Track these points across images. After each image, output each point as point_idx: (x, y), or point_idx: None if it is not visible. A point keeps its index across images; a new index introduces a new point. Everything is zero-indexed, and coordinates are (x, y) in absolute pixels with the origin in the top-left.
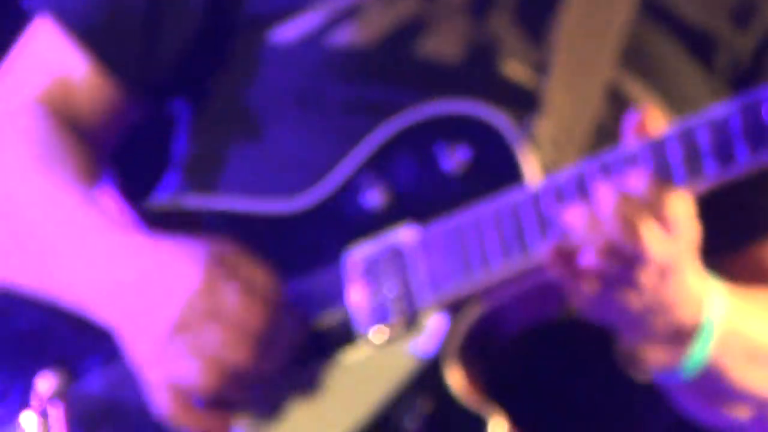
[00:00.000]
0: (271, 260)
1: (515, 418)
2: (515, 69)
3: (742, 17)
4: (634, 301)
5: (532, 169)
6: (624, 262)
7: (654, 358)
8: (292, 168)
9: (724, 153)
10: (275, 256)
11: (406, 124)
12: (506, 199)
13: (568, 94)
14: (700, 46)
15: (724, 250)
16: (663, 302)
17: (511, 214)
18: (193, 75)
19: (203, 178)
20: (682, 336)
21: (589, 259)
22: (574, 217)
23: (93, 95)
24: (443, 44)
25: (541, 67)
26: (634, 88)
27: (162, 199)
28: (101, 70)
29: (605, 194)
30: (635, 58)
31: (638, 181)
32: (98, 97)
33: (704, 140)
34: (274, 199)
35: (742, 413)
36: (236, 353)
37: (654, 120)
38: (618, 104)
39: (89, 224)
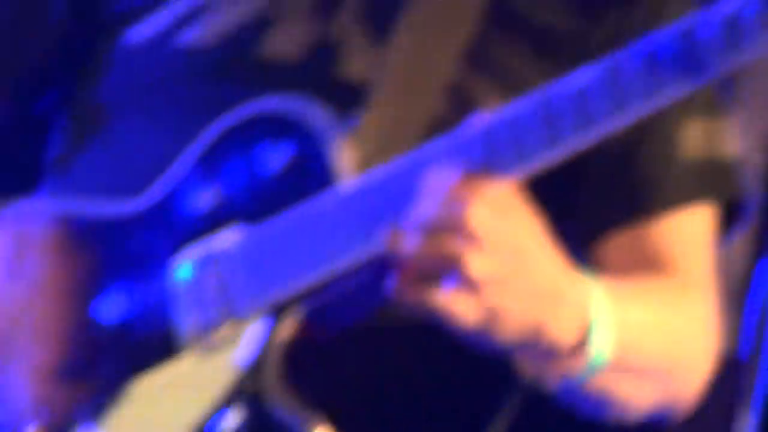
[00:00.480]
0: (102, 265)
1: (344, 424)
2: (355, 67)
3: (591, 12)
4: (475, 304)
5: (346, 165)
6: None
7: (554, 362)
8: (137, 169)
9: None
10: (107, 259)
11: (233, 122)
12: (317, 200)
13: (402, 90)
14: (546, 44)
15: (601, 234)
16: (531, 294)
17: (320, 216)
18: (54, 77)
19: (64, 180)
20: (572, 325)
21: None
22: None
23: None
24: (285, 43)
25: (379, 66)
26: (478, 86)
27: (20, 201)
28: None
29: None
30: (479, 59)
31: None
32: None
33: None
34: (117, 201)
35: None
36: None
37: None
38: (459, 101)
39: None
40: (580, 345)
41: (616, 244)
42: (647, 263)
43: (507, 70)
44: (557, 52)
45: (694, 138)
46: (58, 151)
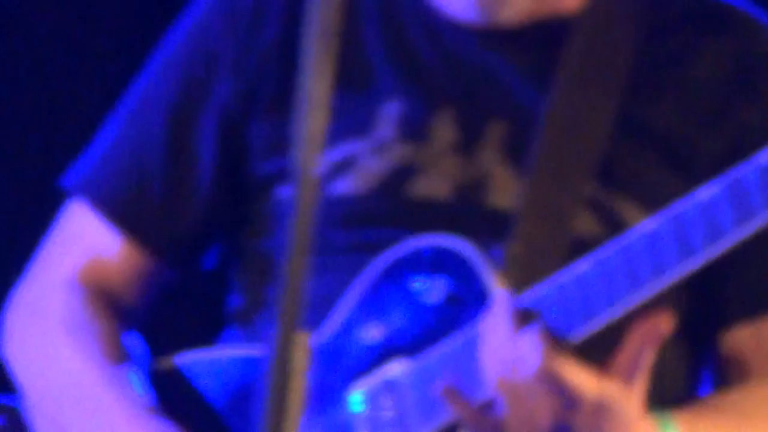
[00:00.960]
0: None
1: None
2: (501, 199)
3: (713, 119)
4: None
5: (499, 293)
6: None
7: None
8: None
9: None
10: None
11: (391, 261)
12: (474, 329)
13: (542, 215)
14: (676, 154)
15: (727, 328)
16: None
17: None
18: (216, 232)
19: (248, 327)
20: None
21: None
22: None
23: (125, 266)
24: (434, 184)
25: (521, 195)
26: (615, 201)
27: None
28: (130, 242)
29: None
30: (613, 175)
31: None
32: (130, 266)
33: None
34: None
35: None
36: None
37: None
38: (600, 218)
39: (98, 400)
40: None
41: (741, 336)
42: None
43: (640, 183)
44: (687, 161)
45: None
46: (238, 301)
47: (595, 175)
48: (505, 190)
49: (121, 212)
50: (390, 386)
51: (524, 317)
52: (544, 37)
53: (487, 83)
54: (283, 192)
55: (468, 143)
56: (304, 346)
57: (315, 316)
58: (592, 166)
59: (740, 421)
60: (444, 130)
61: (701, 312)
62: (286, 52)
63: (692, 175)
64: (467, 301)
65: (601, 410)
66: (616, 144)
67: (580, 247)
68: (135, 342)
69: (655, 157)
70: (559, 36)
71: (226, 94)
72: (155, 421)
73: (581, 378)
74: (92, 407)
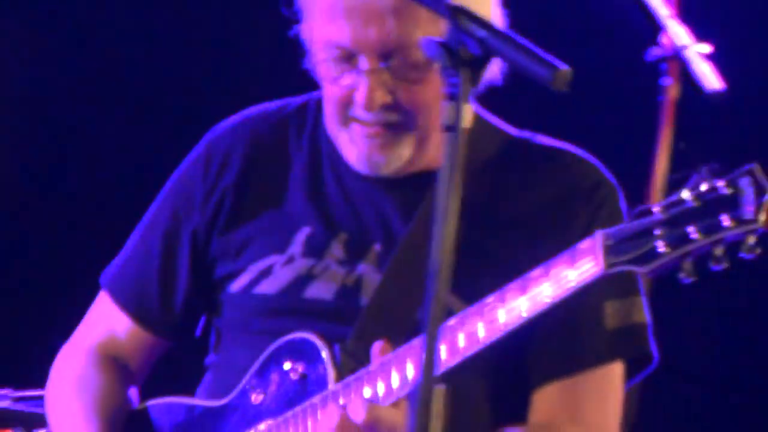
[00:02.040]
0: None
1: None
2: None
3: (537, 237)
4: None
5: (331, 375)
6: None
7: None
8: (231, 379)
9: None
10: (208, 429)
11: (276, 347)
12: (312, 399)
13: (383, 315)
14: (503, 268)
15: (538, 384)
16: None
17: (310, 410)
18: (196, 314)
19: (207, 384)
20: None
21: None
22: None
23: (133, 341)
24: (322, 289)
25: (370, 299)
26: (450, 299)
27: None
28: (136, 325)
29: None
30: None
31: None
32: (137, 341)
33: None
34: (219, 398)
35: None
36: None
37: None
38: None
39: None
40: None
41: (547, 393)
42: (568, 411)
43: (468, 288)
44: (508, 271)
45: (614, 312)
46: (212, 359)
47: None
48: (370, 295)
49: (129, 304)
50: None
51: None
52: (415, 184)
53: (373, 216)
54: (231, 287)
55: (351, 259)
56: (440, 397)
57: (233, 380)
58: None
59: None
60: (336, 249)
61: (514, 373)
62: (239, 189)
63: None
64: (313, 380)
65: (375, 424)
66: (455, 260)
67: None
68: (135, 393)
69: (483, 270)
70: (426, 182)
71: (197, 222)
72: None
73: (372, 410)
74: None
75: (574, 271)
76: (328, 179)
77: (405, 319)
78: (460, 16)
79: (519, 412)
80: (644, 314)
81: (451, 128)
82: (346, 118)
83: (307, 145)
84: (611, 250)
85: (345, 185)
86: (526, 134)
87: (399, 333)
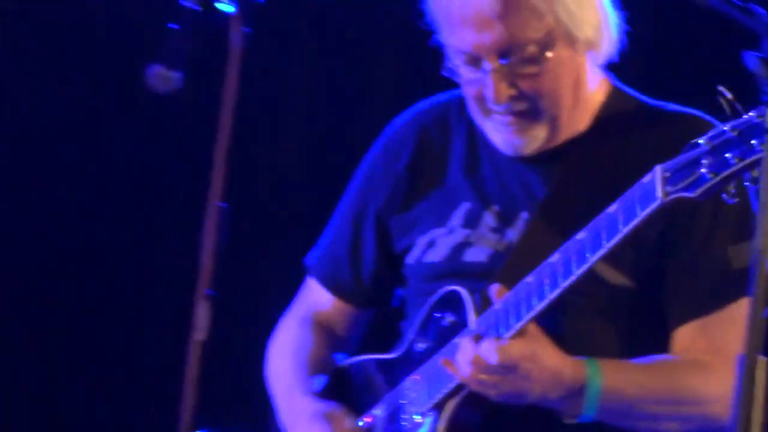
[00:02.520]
0: (380, 383)
1: None
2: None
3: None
4: (514, 387)
5: (472, 316)
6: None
7: (566, 411)
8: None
9: None
10: (382, 382)
11: (431, 302)
12: (455, 342)
13: (518, 269)
14: None
15: (677, 325)
16: (537, 382)
17: (454, 349)
18: (387, 285)
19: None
20: (572, 393)
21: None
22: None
23: (336, 312)
24: (479, 253)
25: (510, 254)
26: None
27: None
28: (336, 298)
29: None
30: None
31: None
32: (339, 312)
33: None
34: (395, 352)
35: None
36: None
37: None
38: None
39: (294, 396)
40: (578, 396)
41: (686, 331)
42: (707, 344)
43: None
44: None
45: (735, 255)
46: (404, 326)
47: (570, 236)
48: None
49: (328, 280)
50: (416, 377)
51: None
52: (553, 157)
53: (519, 189)
54: (407, 259)
55: (501, 227)
56: (763, 367)
57: (407, 337)
58: (560, 238)
59: (662, 374)
60: (488, 218)
61: (653, 314)
62: (412, 173)
63: None
64: (458, 324)
65: (526, 362)
66: (583, 224)
67: None
68: (341, 356)
69: None
70: (563, 154)
71: (379, 205)
72: (319, 422)
73: (503, 351)
74: (288, 406)
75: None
76: (483, 160)
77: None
78: None
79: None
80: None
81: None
82: (485, 111)
83: (465, 131)
84: (668, 181)
85: (496, 164)
86: (659, 103)
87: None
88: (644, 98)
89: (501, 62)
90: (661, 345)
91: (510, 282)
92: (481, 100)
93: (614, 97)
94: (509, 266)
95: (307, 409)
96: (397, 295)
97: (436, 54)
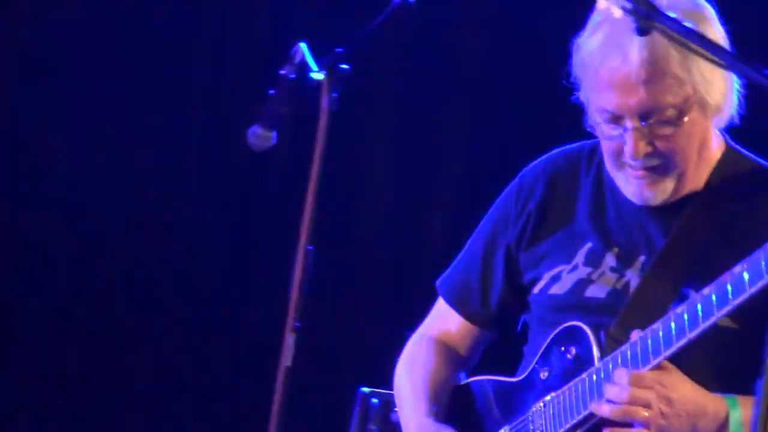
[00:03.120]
0: (502, 405)
1: None
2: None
3: None
4: (666, 417)
5: (596, 354)
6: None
7: None
8: (533, 358)
9: None
10: (504, 404)
11: (554, 334)
12: (583, 377)
13: (642, 308)
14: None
15: None
16: (684, 411)
17: (584, 387)
18: (512, 312)
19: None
20: (717, 425)
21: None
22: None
23: (462, 331)
24: (599, 290)
25: (632, 294)
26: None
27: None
28: (464, 320)
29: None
30: (697, 282)
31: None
32: (465, 331)
33: None
34: (516, 376)
35: None
36: None
37: None
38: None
39: (413, 412)
40: (723, 429)
41: None
42: None
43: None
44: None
45: None
46: (525, 345)
47: (684, 282)
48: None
49: (456, 302)
50: (544, 406)
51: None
52: (675, 208)
53: (640, 234)
54: (533, 289)
55: (621, 268)
56: None
57: (528, 362)
58: (684, 277)
59: None
60: (610, 259)
61: (750, 351)
62: (541, 212)
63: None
64: (583, 359)
65: (672, 391)
66: (703, 263)
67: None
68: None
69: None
70: (684, 205)
71: (510, 238)
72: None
73: (657, 376)
74: (410, 424)
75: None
76: (608, 205)
77: (658, 311)
78: None
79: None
80: None
81: None
82: (620, 164)
83: (593, 177)
84: None
85: (620, 210)
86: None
87: (652, 321)
88: (758, 158)
89: (642, 123)
90: (752, 380)
91: (630, 320)
92: (617, 154)
93: (730, 156)
94: (630, 307)
95: (427, 429)
96: (521, 321)
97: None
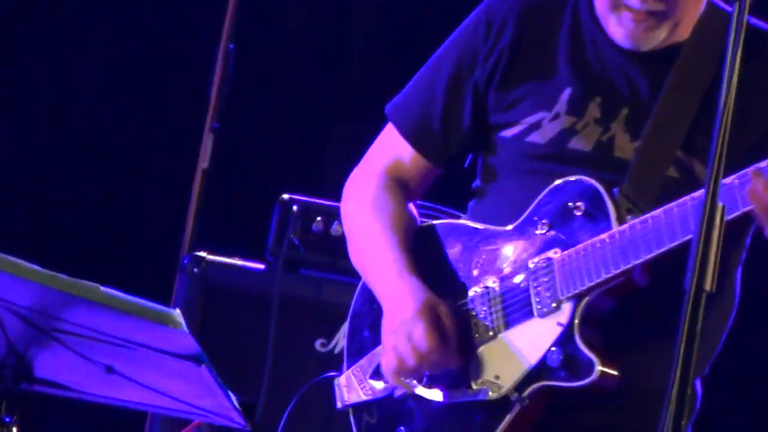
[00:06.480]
0: (484, 254)
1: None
2: (621, 154)
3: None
4: None
5: (613, 214)
6: None
7: None
8: (508, 208)
9: None
10: (485, 253)
11: (556, 186)
12: (597, 237)
13: (645, 168)
14: (734, 138)
15: None
16: None
17: (599, 244)
18: (468, 150)
19: (475, 207)
20: None
21: None
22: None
23: (415, 166)
24: (583, 142)
25: (635, 152)
26: (691, 160)
27: (448, 218)
28: (417, 153)
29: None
30: (691, 145)
31: None
32: (418, 167)
33: None
34: (498, 225)
35: None
36: (412, 362)
37: None
38: (681, 169)
39: (386, 260)
40: None
41: None
42: None
43: (705, 151)
44: (737, 143)
45: None
46: (477, 183)
47: (680, 145)
48: (623, 149)
49: (413, 135)
50: (548, 263)
51: None
52: (661, 57)
53: (624, 83)
54: (504, 133)
55: (605, 120)
56: None
57: (509, 210)
58: (680, 139)
59: None
60: (593, 109)
61: None
62: (514, 51)
63: (752, 139)
64: (596, 216)
65: None
66: (695, 127)
67: (668, 188)
68: (415, 212)
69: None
70: (670, 56)
71: (478, 76)
72: (408, 277)
73: None
74: (377, 261)
75: None
76: (588, 49)
77: (661, 172)
78: None
79: None
80: None
81: None
82: (617, 5)
83: (569, 18)
84: None
85: (601, 56)
86: (762, 24)
87: (656, 183)
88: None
89: None
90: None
91: (636, 182)
92: None
93: (712, 9)
94: (634, 168)
95: (411, 295)
96: (478, 161)
97: None
